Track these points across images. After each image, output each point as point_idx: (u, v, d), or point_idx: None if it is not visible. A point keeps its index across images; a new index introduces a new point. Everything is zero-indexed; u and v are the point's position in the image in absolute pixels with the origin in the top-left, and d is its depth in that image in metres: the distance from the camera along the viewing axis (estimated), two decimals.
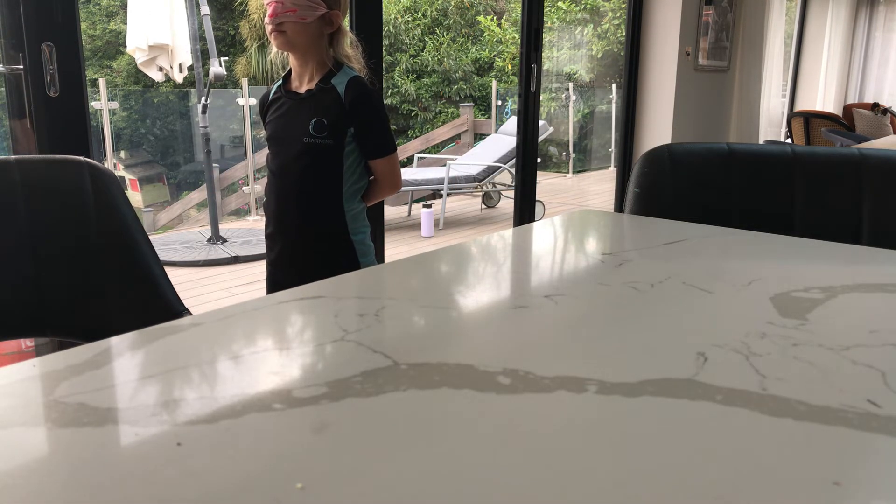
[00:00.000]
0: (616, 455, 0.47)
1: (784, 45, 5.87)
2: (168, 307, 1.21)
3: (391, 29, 10.96)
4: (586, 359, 0.64)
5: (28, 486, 0.43)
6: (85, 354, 0.62)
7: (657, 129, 4.23)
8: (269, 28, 1.59)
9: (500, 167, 6.28)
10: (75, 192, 1.20)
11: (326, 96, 1.61)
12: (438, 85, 11.36)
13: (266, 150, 1.74)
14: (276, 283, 1.71)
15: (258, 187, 6.99)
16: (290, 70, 1.69)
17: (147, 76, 5.27)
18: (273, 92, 1.71)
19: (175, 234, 6.11)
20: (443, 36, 11.47)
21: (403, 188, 5.84)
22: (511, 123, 6.69)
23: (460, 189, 6.47)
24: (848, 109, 7.06)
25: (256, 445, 0.48)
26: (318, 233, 1.67)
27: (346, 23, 1.69)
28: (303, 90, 1.64)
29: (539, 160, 3.85)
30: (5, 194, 1.16)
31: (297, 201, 1.65)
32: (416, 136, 9.05)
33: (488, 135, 7.57)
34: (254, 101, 8.07)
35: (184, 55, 5.11)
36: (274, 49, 1.66)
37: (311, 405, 0.53)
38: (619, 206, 4.56)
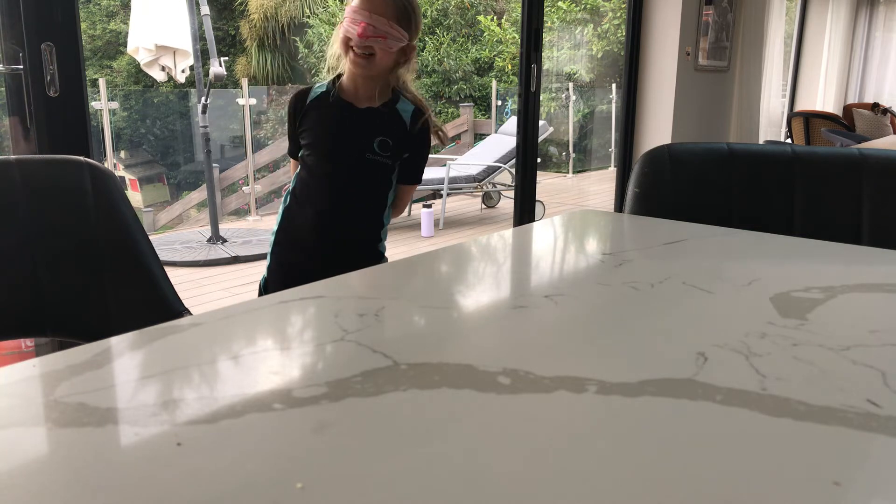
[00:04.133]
0: (616, 455, 0.47)
1: (784, 45, 5.87)
2: (168, 307, 1.21)
3: None
4: (586, 359, 0.64)
5: (28, 486, 0.43)
6: (85, 354, 0.62)
7: (657, 129, 4.23)
8: (347, 42, 1.53)
9: (500, 167, 6.28)
10: (75, 192, 1.20)
11: (391, 119, 1.60)
12: (438, 85, 11.36)
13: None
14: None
15: (258, 187, 6.99)
16: (339, 76, 1.62)
17: (147, 76, 5.27)
18: (317, 95, 1.63)
19: (175, 234, 6.12)
20: (443, 36, 11.47)
21: None
22: (511, 123, 6.69)
23: (460, 189, 6.47)
24: (848, 109, 7.06)
25: (256, 445, 0.48)
26: (358, 245, 1.67)
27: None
28: (362, 105, 1.60)
29: (539, 160, 3.85)
30: (5, 194, 1.16)
31: (347, 214, 1.63)
32: None
33: (488, 135, 7.57)
34: (254, 101, 8.06)
35: (188, 55, 5.12)
36: (336, 46, 1.58)
37: (311, 405, 0.53)
38: (619, 206, 4.56)
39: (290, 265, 1.69)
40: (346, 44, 1.55)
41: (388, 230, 1.73)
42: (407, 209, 6.41)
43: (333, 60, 1.64)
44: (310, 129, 1.63)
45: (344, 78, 1.62)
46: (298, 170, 1.68)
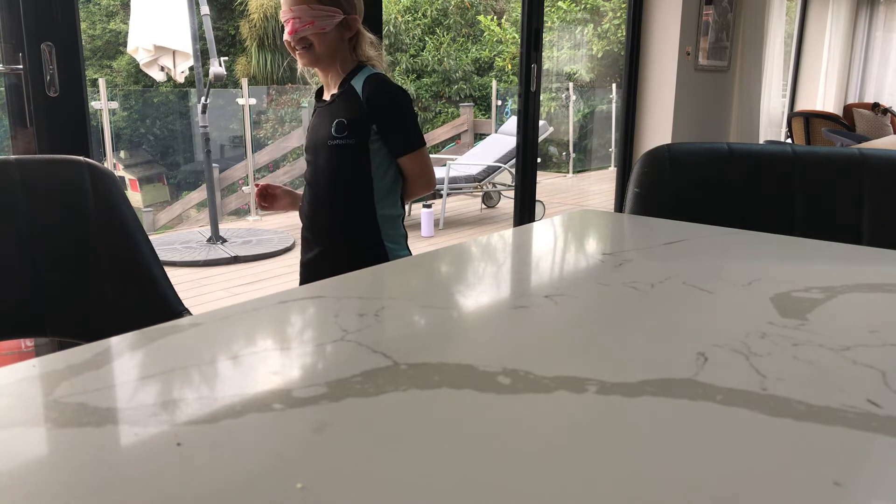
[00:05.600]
0: (616, 455, 0.47)
1: (784, 45, 5.87)
2: (168, 307, 1.21)
3: (391, 29, 10.96)
4: (586, 359, 0.64)
5: (28, 486, 0.43)
6: (85, 354, 0.62)
7: (657, 129, 4.23)
8: (290, 44, 1.59)
9: (500, 167, 6.28)
10: (75, 192, 1.20)
11: (348, 98, 1.61)
12: (438, 85, 11.36)
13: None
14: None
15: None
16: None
17: (147, 76, 5.27)
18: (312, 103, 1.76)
19: (175, 234, 6.11)
20: (443, 36, 11.47)
21: None
22: (511, 123, 6.69)
23: (460, 189, 6.46)
24: (848, 109, 7.07)
25: (256, 445, 0.48)
26: (351, 239, 1.65)
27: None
28: (329, 97, 1.66)
29: (539, 160, 3.85)
30: (5, 194, 1.16)
31: (330, 205, 1.66)
32: None
33: (488, 135, 7.57)
34: (253, 101, 8.06)
35: (187, 56, 5.12)
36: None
37: (311, 405, 0.53)
38: (619, 206, 4.56)
39: (304, 262, 1.77)
40: (290, 47, 1.61)
41: (400, 227, 1.67)
42: (408, 208, 6.40)
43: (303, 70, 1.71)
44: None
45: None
46: None
